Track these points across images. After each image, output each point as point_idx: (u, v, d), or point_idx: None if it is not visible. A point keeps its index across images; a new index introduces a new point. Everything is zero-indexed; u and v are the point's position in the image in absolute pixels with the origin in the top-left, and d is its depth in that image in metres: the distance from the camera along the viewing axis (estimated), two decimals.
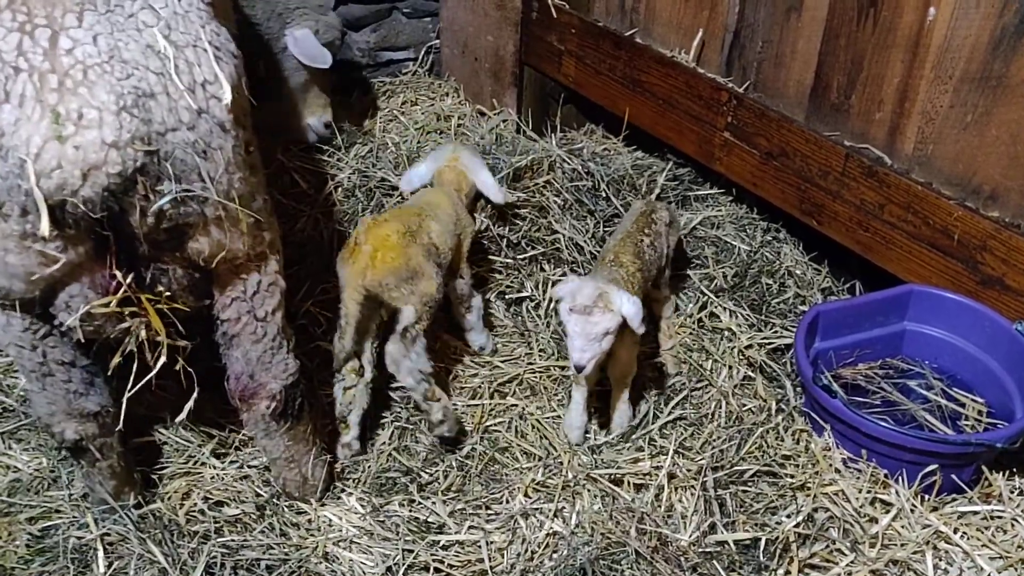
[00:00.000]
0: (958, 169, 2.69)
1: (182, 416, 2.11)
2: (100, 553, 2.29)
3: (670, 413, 2.75)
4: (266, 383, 2.24)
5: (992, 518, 2.38)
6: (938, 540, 2.31)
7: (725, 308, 3.15)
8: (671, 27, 3.52)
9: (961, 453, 2.34)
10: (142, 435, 2.66)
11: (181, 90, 1.73)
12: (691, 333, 3.07)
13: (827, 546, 2.31)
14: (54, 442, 2.36)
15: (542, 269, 3.31)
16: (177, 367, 2.03)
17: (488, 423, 2.77)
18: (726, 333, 3.07)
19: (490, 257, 3.31)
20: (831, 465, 2.50)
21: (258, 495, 2.51)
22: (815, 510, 2.40)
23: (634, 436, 2.69)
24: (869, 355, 2.81)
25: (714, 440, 2.62)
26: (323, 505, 2.49)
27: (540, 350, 3.05)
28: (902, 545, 2.30)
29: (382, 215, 2.63)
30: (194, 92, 1.75)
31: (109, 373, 2.11)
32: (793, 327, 3.06)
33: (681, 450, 2.58)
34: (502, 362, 3.02)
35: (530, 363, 3.00)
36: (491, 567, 2.30)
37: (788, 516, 2.38)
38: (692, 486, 2.45)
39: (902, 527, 2.35)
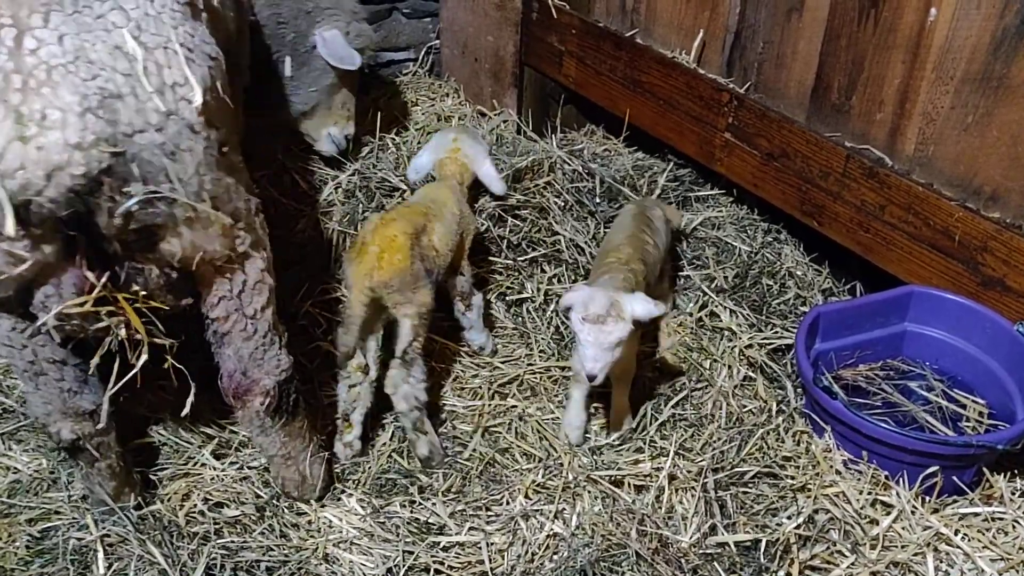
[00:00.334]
0: (959, 170, 2.69)
1: (185, 411, 2.11)
2: (100, 554, 2.29)
3: (670, 414, 2.74)
4: (259, 379, 2.23)
5: (993, 520, 2.37)
6: (939, 542, 2.31)
7: (725, 308, 3.15)
8: (672, 28, 3.52)
9: (962, 455, 2.34)
10: (142, 436, 2.66)
11: (149, 92, 1.71)
12: (691, 333, 3.07)
13: (828, 548, 2.31)
14: (51, 442, 2.36)
15: (543, 270, 3.31)
16: (166, 365, 2.02)
17: (488, 424, 2.77)
18: (726, 333, 3.07)
19: (491, 258, 3.31)
20: (832, 466, 2.50)
21: (258, 496, 2.50)
22: (816, 511, 2.39)
23: (634, 437, 2.69)
24: (870, 356, 2.81)
25: (714, 441, 2.62)
26: (323, 507, 2.48)
27: (540, 351, 3.05)
28: (903, 547, 2.30)
29: (389, 213, 2.61)
30: (163, 94, 1.73)
31: (91, 372, 2.10)
32: (794, 328, 3.05)
33: (681, 451, 2.58)
34: (502, 363, 3.02)
35: (530, 364, 3.00)
36: (491, 568, 2.30)
37: (789, 518, 2.37)
38: (692, 487, 2.44)
39: (903, 529, 2.34)
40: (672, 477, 2.48)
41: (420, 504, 2.50)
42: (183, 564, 2.26)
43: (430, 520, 2.45)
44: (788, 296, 3.26)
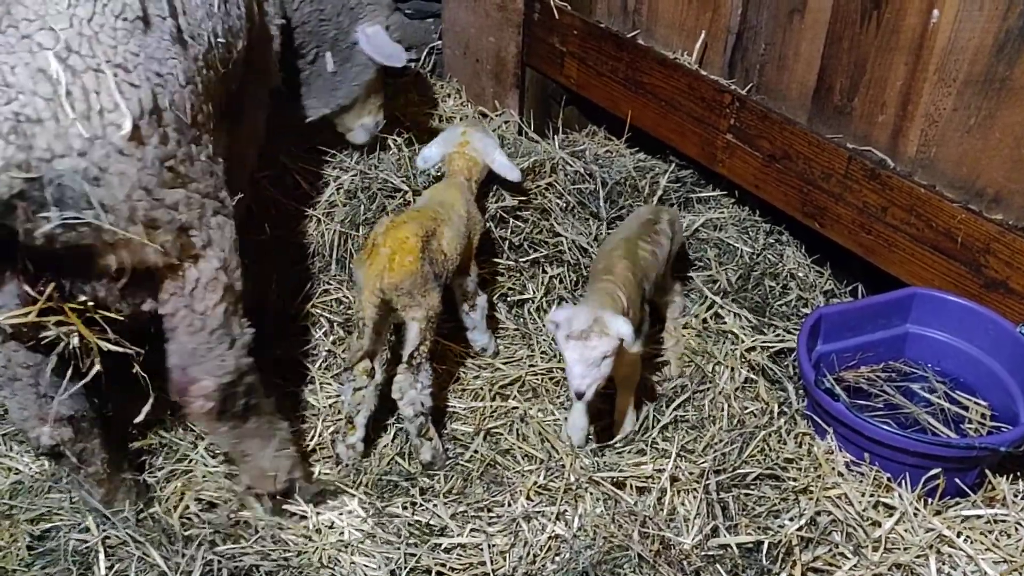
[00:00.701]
0: (961, 172, 2.69)
1: (139, 418, 2.05)
2: (101, 556, 2.29)
3: (672, 416, 2.74)
4: (198, 379, 2.10)
5: (996, 522, 2.37)
6: (941, 544, 2.31)
7: (728, 310, 3.15)
8: (673, 29, 3.52)
9: (965, 457, 2.33)
10: (139, 438, 2.66)
11: (72, 117, 1.67)
12: (696, 335, 3.07)
13: (830, 550, 2.31)
14: (32, 449, 2.33)
15: (544, 271, 3.31)
16: (133, 371, 2.00)
17: (490, 425, 2.76)
18: (728, 335, 3.06)
19: (493, 259, 3.30)
20: (834, 468, 2.49)
21: None
22: (818, 513, 2.39)
23: (636, 439, 2.69)
24: (872, 358, 2.80)
25: (716, 443, 2.61)
26: (320, 514, 2.46)
27: (542, 352, 3.05)
28: (905, 549, 2.29)
29: (400, 216, 2.61)
30: (88, 119, 1.69)
31: (68, 377, 2.07)
32: (795, 330, 3.05)
33: (683, 453, 2.57)
34: (504, 364, 3.02)
35: (532, 365, 3.00)
36: (493, 570, 2.30)
37: (791, 519, 2.37)
38: (695, 489, 2.44)
39: (905, 531, 2.34)
40: (674, 479, 2.47)
41: (421, 506, 2.49)
42: (183, 567, 2.25)
43: (431, 522, 2.44)
44: (790, 298, 3.26)
